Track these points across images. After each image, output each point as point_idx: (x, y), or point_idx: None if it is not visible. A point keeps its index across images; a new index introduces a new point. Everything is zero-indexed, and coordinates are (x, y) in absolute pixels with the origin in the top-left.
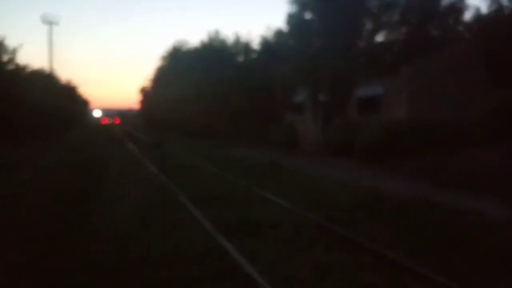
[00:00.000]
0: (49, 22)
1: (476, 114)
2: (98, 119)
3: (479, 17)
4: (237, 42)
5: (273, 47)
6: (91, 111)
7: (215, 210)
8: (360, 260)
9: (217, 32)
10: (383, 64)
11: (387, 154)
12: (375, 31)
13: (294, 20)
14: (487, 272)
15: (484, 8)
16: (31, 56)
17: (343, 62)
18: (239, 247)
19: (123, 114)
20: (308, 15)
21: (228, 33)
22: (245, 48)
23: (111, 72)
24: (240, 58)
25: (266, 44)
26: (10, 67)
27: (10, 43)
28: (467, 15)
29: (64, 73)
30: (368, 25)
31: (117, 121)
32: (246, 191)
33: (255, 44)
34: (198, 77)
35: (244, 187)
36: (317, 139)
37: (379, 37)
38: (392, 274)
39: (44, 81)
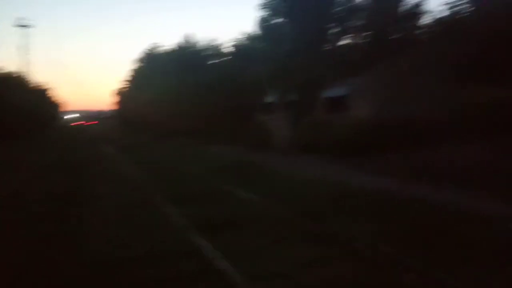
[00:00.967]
0: (23, 25)
1: (442, 111)
2: (70, 122)
3: (440, 20)
4: (210, 45)
5: (245, 50)
6: (64, 113)
7: (192, 207)
8: (329, 251)
9: (190, 35)
10: (349, 66)
11: (353, 150)
12: (341, 34)
13: (265, 24)
14: (466, 261)
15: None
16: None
17: (312, 64)
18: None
19: (101, 115)
20: (279, 20)
21: (202, 35)
22: (217, 50)
23: (91, 74)
24: (213, 61)
25: (238, 47)
26: None
27: None
28: (428, 18)
29: (42, 76)
30: (335, 29)
31: (94, 123)
32: (219, 188)
33: (227, 46)
34: (172, 79)
35: (216, 185)
36: (287, 137)
37: (346, 40)
38: (359, 262)
39: (11, 83)
